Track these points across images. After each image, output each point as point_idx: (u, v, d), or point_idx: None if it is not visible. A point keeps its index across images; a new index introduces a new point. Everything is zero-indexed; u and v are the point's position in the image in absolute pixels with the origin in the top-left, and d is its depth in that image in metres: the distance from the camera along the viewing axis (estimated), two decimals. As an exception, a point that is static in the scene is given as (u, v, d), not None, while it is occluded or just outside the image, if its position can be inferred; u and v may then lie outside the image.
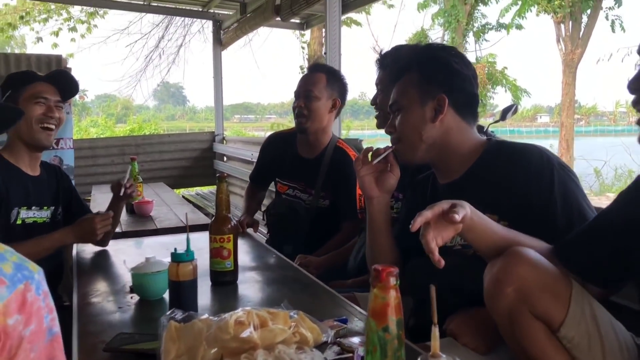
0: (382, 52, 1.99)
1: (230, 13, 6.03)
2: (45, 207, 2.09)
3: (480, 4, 16.13)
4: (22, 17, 9.39)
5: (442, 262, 1.09)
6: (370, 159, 1.58)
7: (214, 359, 1.11)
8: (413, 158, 1.54)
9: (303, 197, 2.64)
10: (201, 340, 1.15)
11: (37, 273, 0.83)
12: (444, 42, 16.72)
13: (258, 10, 5.06)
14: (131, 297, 1.64)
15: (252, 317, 1.12)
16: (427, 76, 1.48)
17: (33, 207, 2.04)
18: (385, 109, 1.75)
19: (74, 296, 1.68)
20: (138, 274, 1.61)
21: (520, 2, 14.85)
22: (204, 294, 1.66)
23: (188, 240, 1.47)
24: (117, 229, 2.87)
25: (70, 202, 2.24)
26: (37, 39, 9.48)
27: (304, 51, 8.81)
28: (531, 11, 14.55)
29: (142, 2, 6.00)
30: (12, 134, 2.02)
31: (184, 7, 6.31)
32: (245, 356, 1.09)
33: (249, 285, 1.77)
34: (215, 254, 1.74)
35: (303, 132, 2.58)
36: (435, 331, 0.79)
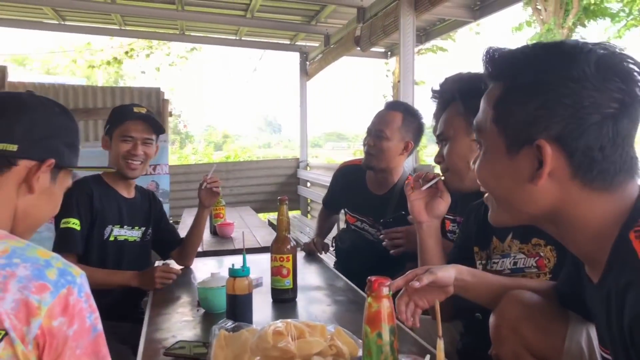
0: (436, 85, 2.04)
1: (316, 45, 6.26)
2: (136, 227, 2.29)
3: (578, 26, 15.51)
4: (126, 53, 10.38)
5: (411, 323, 1.18)
6: (421, 185, 1.62)
7: (256, 367, 1.20)
8: (461, 186, 1.58)
9: (371, 231, 2.63)
10: (246, 348, 1.24)
11: (80, 277, 0.92)
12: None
13: (340, 42, 5.23)
14: (197, 310, 1.77)
15: (290, 328, 1.19)
16: (471, 107, 1.51)
17: (125, 226, 2.25)
18: None
19: (147, 308, 1.84)
20: (203, 288, 1.74)
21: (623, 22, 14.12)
22: (264, 310, 1.77)
23: (244, 257, 1.59)
24: (199, 248, 3.09)
25: (160, 225, 2.44)
26: (142, 72, 10.40)
27: (389, 79, 8.91)
28: (631, 31, 13.75)
29: (234, 38, 6.39)
30: (110, 162, 2.25)
31: (272, 41, 6.63)
32: (283, 365, 1.18)
33: (308, 304, 1.85)
34: (275, 272, 1.84)
35: (369, 169, 2.58)
36: (440, 343, 0.83)
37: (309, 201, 6.80)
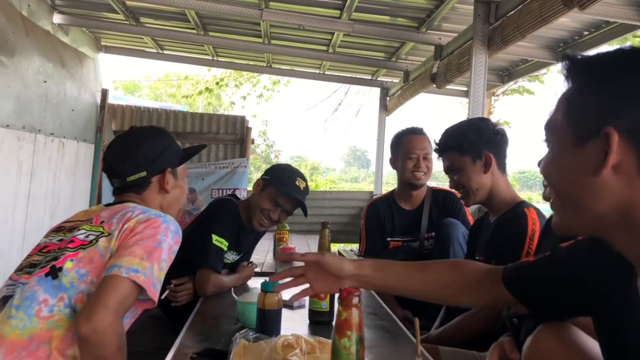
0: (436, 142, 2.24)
1: (396, 81, 6.34)
2: (240, 254, 2.56)
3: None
4: (217, 83, 11.10)
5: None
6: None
7: (268, 377, 1.25)
8: (469, 203, 2.12)
9: (414, 245, 2.82)
10: (262, 359, 1.30)
11: (173, 224, 1.46)
12: None
13: (418, 78, 5.28)
14: (235, 324, 1.83)
15: (301, 343, 1.24)
16: (468, 143, 2.05)
17: (234, 252, 2.50)
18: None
19: (190, 316, 1.93)
20: (241, 302, 1.80)
21: None
22: (300, 330, 1.80)
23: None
24: (257, 269, 3.18)
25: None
26: (231, 103, 11.00)
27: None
28: None
29: (318, 72, 6.60)
30: (251, 206, 2.49)
31: (355, 76, 6.78)
32: (292, 378, 1.22)
33: (342, 328, 1.87)
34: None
35: (420, 187, 2.84)
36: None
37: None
